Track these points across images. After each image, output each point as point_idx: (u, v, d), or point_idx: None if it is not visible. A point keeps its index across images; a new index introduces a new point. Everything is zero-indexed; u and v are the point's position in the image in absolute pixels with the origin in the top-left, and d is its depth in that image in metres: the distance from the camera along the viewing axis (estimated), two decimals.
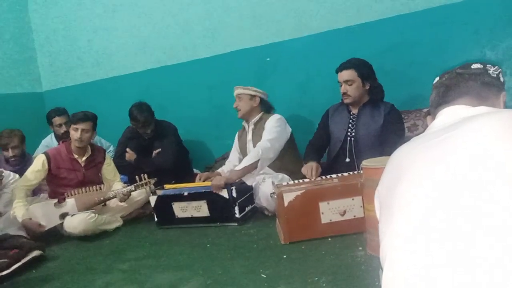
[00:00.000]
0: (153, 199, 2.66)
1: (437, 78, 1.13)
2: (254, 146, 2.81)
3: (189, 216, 2.59)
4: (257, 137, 2.83)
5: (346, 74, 2.46)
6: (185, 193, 2.58)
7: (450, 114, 0.97)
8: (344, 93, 2.48)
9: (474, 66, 1.10)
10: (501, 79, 1.08)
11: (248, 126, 2.94)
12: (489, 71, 1.07)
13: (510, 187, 0.66)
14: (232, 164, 2.97)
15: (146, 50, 4.06)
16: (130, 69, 4.16)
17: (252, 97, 2.88)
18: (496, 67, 1.10)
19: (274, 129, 2.73)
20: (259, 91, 2.90)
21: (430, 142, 0.83)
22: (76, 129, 2.80)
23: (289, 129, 2.84)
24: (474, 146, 0.74)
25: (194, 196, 2.56)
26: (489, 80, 1.05)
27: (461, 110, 0.97)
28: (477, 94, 1.02)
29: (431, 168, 0.77)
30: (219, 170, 2.92)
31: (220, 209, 2.51)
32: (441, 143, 0.80)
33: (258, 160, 2.58)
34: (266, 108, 2.93)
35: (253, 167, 2.59)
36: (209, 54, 3.75)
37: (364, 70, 2.46)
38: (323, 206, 2.05)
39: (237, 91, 2.92)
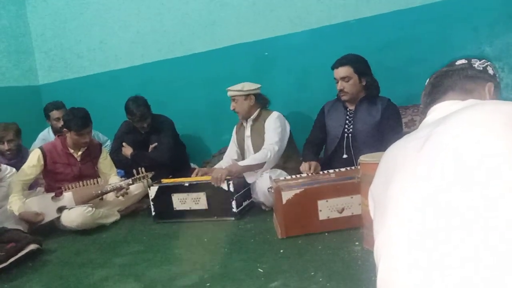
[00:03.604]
0: (153, 190, 2.66)
1: (428, 79, 1.14)
2: (252, 143, 2.81)
3: (188, 208, 2.60)
4: (256, 134, 2.81)
5: (342, 71, 2.44)
6: (186, 184, 2.59)
7: (438, 111, 0.97)
8: (341, 90, 2.47)
9: (459, 62, 1.10)
10: (490, 71, 1.08)
11: (247, 122, 2.90)
12: (473, 65, 1.07)
13: (504, 183, 0.65)
14: (230, 158, 2.97)
15: (144, 44, 4.04)
16: (127, 63, 4.13)
17: (247, 96, 2.79)
18: (483, 60, 1.09)
19: (278, 129, 2.69)
20: (252, 88, 2.80)
21: (420, 139, 0.82)
22: (82, 135, 2.79)
23: (289, 126, 2.80)
24: (463, 141, 0.73)
25: (195, 187, 2.57)
26: (473, 73, 1.05)
27: (448, 105, 0.97)
28: (461, 88, 1.02)
29: (423, 166, 0.76)
30: (216, 166, 2.91)
31: (219, 202, 2.52)
32: (430, 140, 0.79)
33: (265, 163, 2.58)
34: (262, 102, 2.87)
35: (258, 167, 2.60)
36: (206, 48, 3.73)
37: (361, 66, 2.45)
38: (321, 204, 2.05)
39: (230, 93, 2.81)
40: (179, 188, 2.61)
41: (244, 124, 2.93)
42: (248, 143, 2.87)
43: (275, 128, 2.70)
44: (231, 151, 3.03)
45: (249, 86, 2.80)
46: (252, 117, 2.85)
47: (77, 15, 4.33)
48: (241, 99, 2.79)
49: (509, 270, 0.58)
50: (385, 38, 3.03)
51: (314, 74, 3.29)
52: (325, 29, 3.25)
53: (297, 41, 3.36)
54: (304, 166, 2.36)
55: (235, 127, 3.06)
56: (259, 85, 2.84)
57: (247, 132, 2.90)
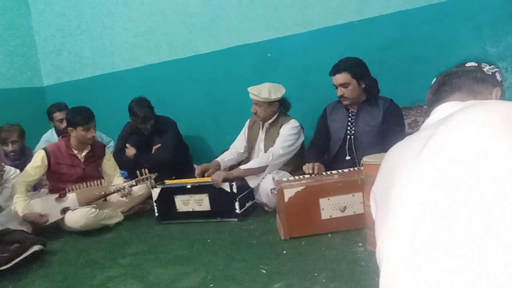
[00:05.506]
0: (155, 192, 2.67)
1: (435, 78, 1.13)
2: (265, 146, 2.79)
3: (190, 210, 2.61)
4: (269, 138, 2.77)
5: (340, 78, 2.43)
6: (188, 186, 2.61)
7: (440, 111, 0.97)
8: (341, 96, 2.46)
9: (469, 64, 1.10)
10: (498, 77, 1.07)
11: (263, 125, 2.84)
12: (483, 69, 1.07)
13: (504, 181, 0.65)
14: (236, 151, 2.96)
15: (147, 45, 4.05)
16: (130, 64, 4.15)
17: (271, 103, 2.70)
18: (493, 66, 1.09)
19: (291, 137, 2.66)
20: (278, 96, 2.67)
21: (422, 140, 0.82)
22: (89, 129, 2.80)
23: (303, 138, 2.75)
24: (462, 141, 0.73)
25: (197, 189, 2.58)
26: (482, 76, 1.04)
27: (450, 106, 0.96)
28: (469, 90, 1.02)
29: (424, 167, 0.76)
30: (219, 158, 2.90)
31: (221, 204, 2.53)
32: (431, 141, 0.79)
33: (267, 166, 2.57)
34: (284, 107, 2.80)
35: (260, 170, 2.59)
36: (209, 49, 3.74)
37: (358, 70, 2.41)
38: (323, 202, 2.05)
39: (255, 98, 2.66)
40: (182, 190, 2.62)
41: (260, 124, 2.88)
42: (260, 146, 2.85)
43: (288, 135, 2.67)
44: (239, 144, 2.99)
45: (275, 94, 2.67)
46: (270, 121, 2.80)
47: (80, 17, 4.35)
48: (266, 105, 2.70)
49: None
50: (388, 38, 3.03)
51: (317, 75, 3.28)
52: (328, 29, 3.25)
53: (300, 42, 3.35)
54: (307, 166, 2.35)
55: (249, 121, 3.00)
56: (284, 90, 2.74)
57: (262, 134, 2.86)
